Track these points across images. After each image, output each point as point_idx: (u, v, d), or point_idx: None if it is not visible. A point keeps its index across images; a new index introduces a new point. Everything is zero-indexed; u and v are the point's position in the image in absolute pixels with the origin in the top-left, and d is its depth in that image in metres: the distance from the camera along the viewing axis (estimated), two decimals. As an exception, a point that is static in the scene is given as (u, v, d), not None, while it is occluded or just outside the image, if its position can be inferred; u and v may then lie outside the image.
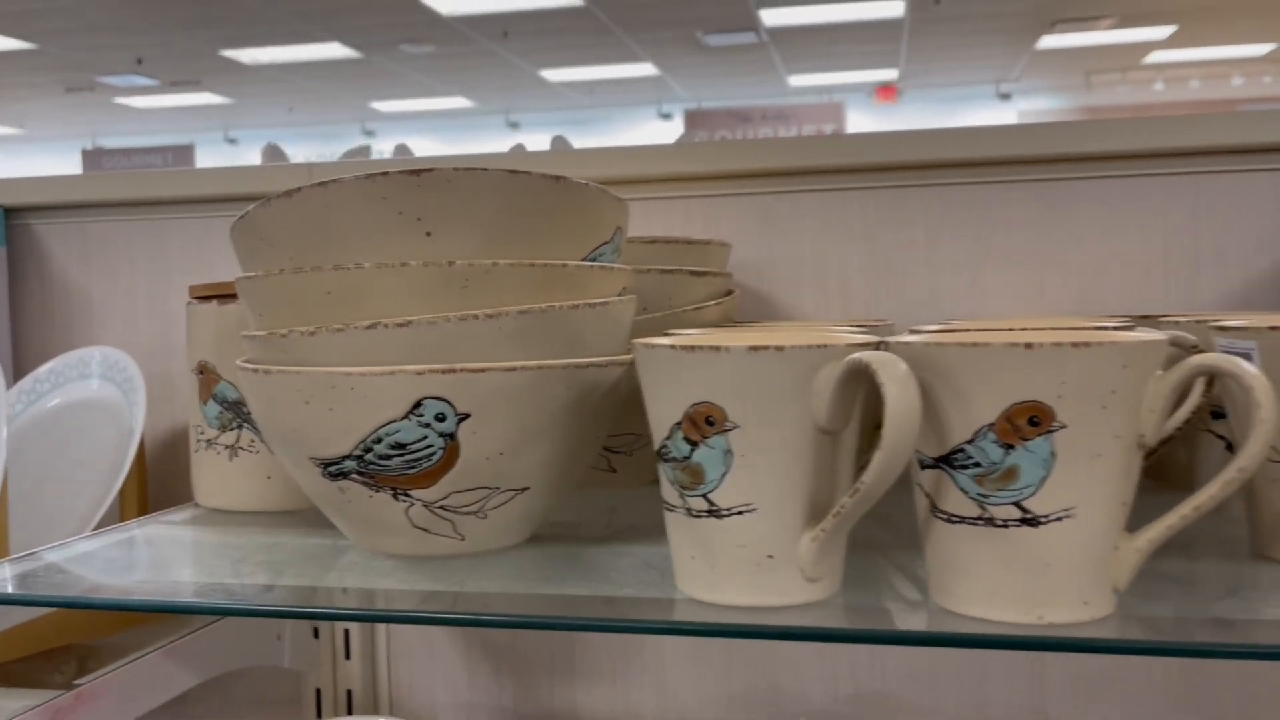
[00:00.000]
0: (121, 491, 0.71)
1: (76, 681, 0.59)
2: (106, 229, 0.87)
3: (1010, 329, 0.49)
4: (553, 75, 7.63)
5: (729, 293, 0.67)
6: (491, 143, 8.37)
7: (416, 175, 0.44)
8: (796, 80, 8.17)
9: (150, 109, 8.40)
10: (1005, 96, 9.11)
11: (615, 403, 0.50)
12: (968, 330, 0.47)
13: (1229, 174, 0.69)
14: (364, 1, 5.54)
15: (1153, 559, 0.48)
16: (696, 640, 0.77)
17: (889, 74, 8.21)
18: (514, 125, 9.21)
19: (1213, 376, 0.43)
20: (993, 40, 7.13)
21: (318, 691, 0.80)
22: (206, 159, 9.01)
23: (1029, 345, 0.36)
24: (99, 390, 0.73)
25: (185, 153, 8.69)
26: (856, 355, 0.38)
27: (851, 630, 0.39)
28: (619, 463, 0.63)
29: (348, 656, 0.80)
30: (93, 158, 8.91)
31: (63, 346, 0.86)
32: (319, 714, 0.80)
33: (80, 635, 0.66)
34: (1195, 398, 0.49)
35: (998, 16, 6.41)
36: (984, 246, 0.73)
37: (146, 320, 0.86)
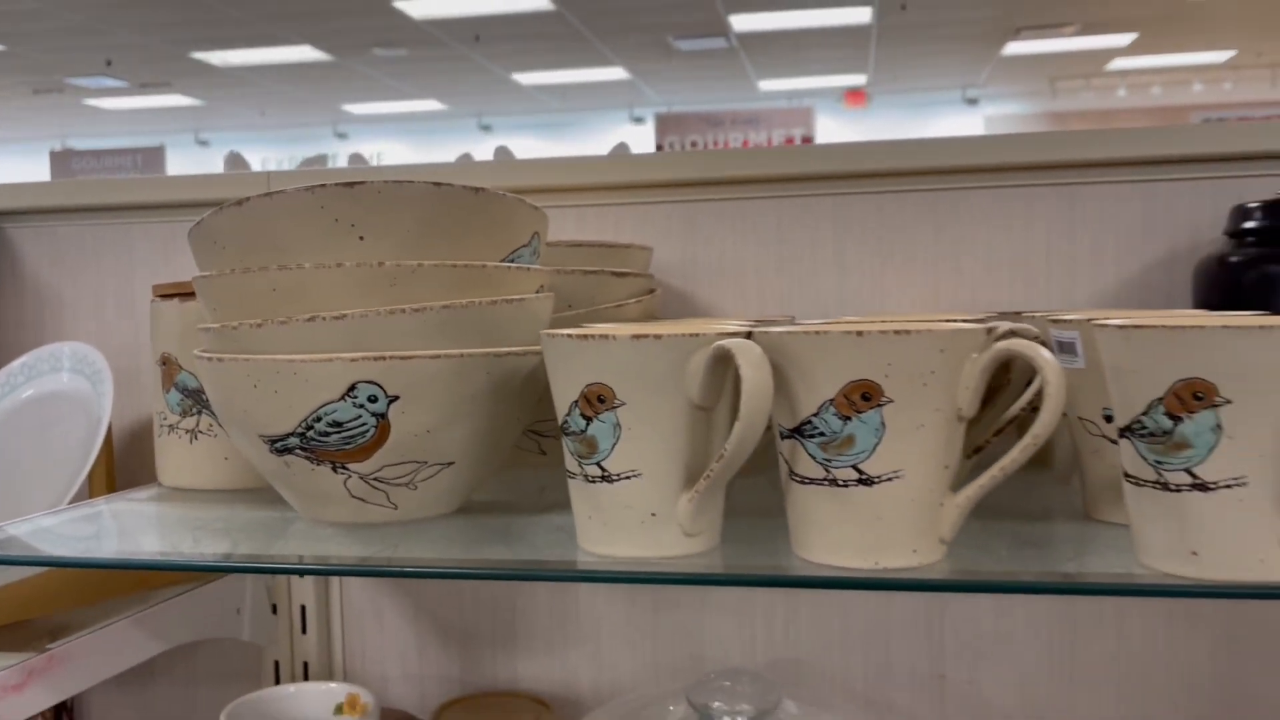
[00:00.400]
0: (90, 475, 0.76)
1: (48, 646, 0.65)
2: (76, 232, 0.92)
3: (873, 320, 0.56)
4: (525, 79, 7.68)
5: (650, 291, 0.74)
6: (464, 145, 8.40)
7: (350, 187, 0.50)
8: (767, 85, 8.28)
9: (120, 110, 8.38)
10: (972, 102, 9.26)
11: (534, 388, 0.56)
12: (840, 322, 0.54)
13: (1101, 185, 0.77)
14: (335, 5, 5.58)
15: (996, 520, 0.55)
16: (629, 614, 0.84)
17: (858, 79, 8.33)
18: (486, 128, 9.25)
19: (1017, 359, 0.50)
20: (959, 46, 7.26)
21: (276, 664, 0.86)
22: (177, 161, 8.98)
23: (859, 333, 0.43)
24: (69, 382, 0.79)
25: (155, 155, 8.66)
26: (721, 342, 0.45)
27: (719, 575, 0.46)
28: (549, 445, 0.70)
29: (304, 631, 0.86)
30: (61, 159, 8.86)
31: (34, 343, 0.91)
32: (277, 684, 0.86)
33: (49, 607, 0.71)
34: (1039, 383, 0.56)
35: (963, 23, 6.53)
36: (886, 250, 0.80)
37: (114, 318, 0.92)
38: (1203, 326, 0.40)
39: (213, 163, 9.05)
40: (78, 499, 0.72)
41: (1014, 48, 7.24)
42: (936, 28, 6.63)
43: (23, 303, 0.93)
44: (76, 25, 5.80)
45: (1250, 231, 0.67)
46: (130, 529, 0.61)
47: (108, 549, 0.58)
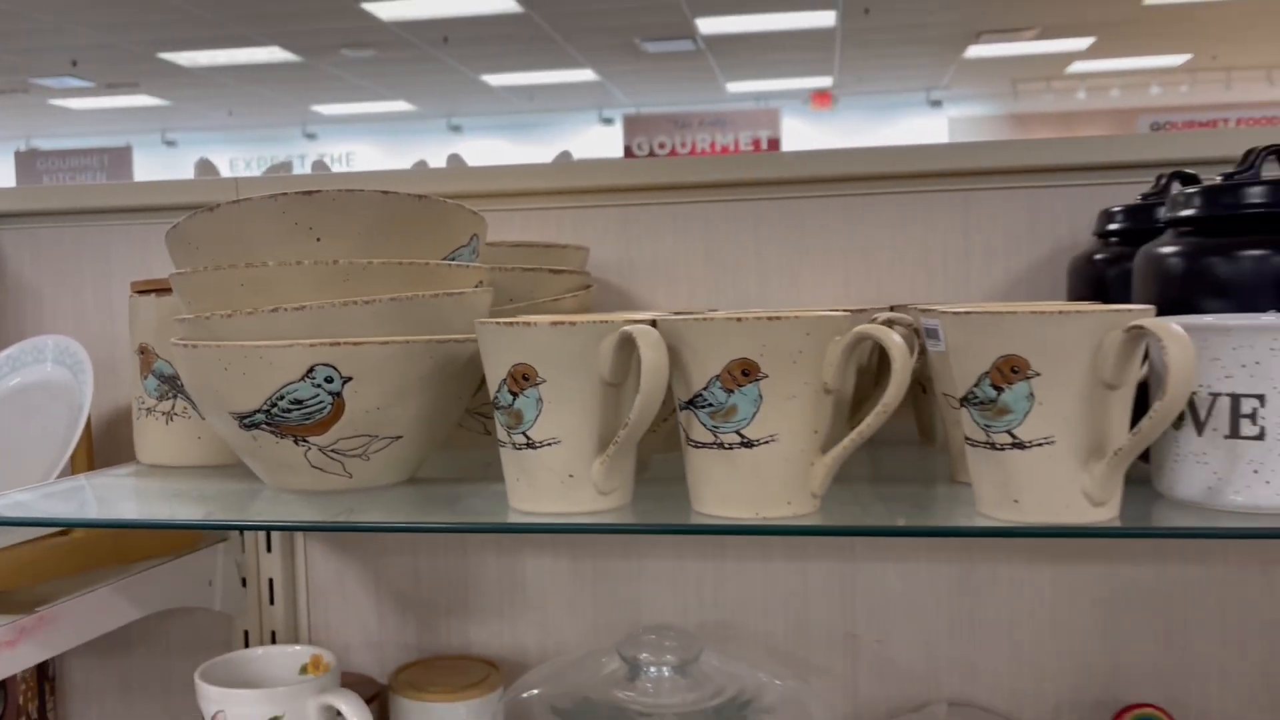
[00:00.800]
0: (72, 458, 0.83)
1: (38, 608, 0.72)
2: (56, 234, 0.99)
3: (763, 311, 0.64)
4: (494, 80, 7.74)
5: (586, 288, 0.82)
6: (433, 146, 8.45)
7: (309, 195, 0.58)
8: (734, 87, 8.38)
9: (86, 110, 8.34)
10: (936, 104, 9.42)
11: (473, 371, 0.64)
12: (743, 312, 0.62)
13: (993, 191, 0.85)
14: (304, 7, 5.61)
15: (879, 484, 0.63)
16: (571, 583, 0.92)
17: (824, 81, 8.45)
18: (456, 129, 9.29)
19: (873, 341, 0.57)
20: (922, 49, 7.40)
21: (246, 633, 0.93)
22: (144, 161, 8.94)
23: (739, 319, 0.51)
24: (52, 372, 0.85)
25: (122, 155, 8.62)
26: (625, 328, 0.52)
27: (628, 525, 0.54)
28: (493, 426, 0.77)
29: (272, 602, 0.93)
30: (26, 159, 8.80)
31: (17, 336, 0.98)
32: (247, 652, 0.93)
33: (34, 577, 0.77)
34: (913, 362, 0.65)
35: (925, 27, 6.67)
36: (802, 249, 0.88)
37: (92, 313, 0.98)
38: (1015, 312, 0.48)
39: (180, 162, 9.03)
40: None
41: (976, 51, 7.39)
42: (899, 31, 6.76)
43: (5, 299, 0.99)
44: (42, 25, 5.79)
45: (1114, 232, 0.76)
46: (113, 499, 0.68)
47: (93, 515, 0.65)
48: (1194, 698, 0.85)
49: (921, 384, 0.72)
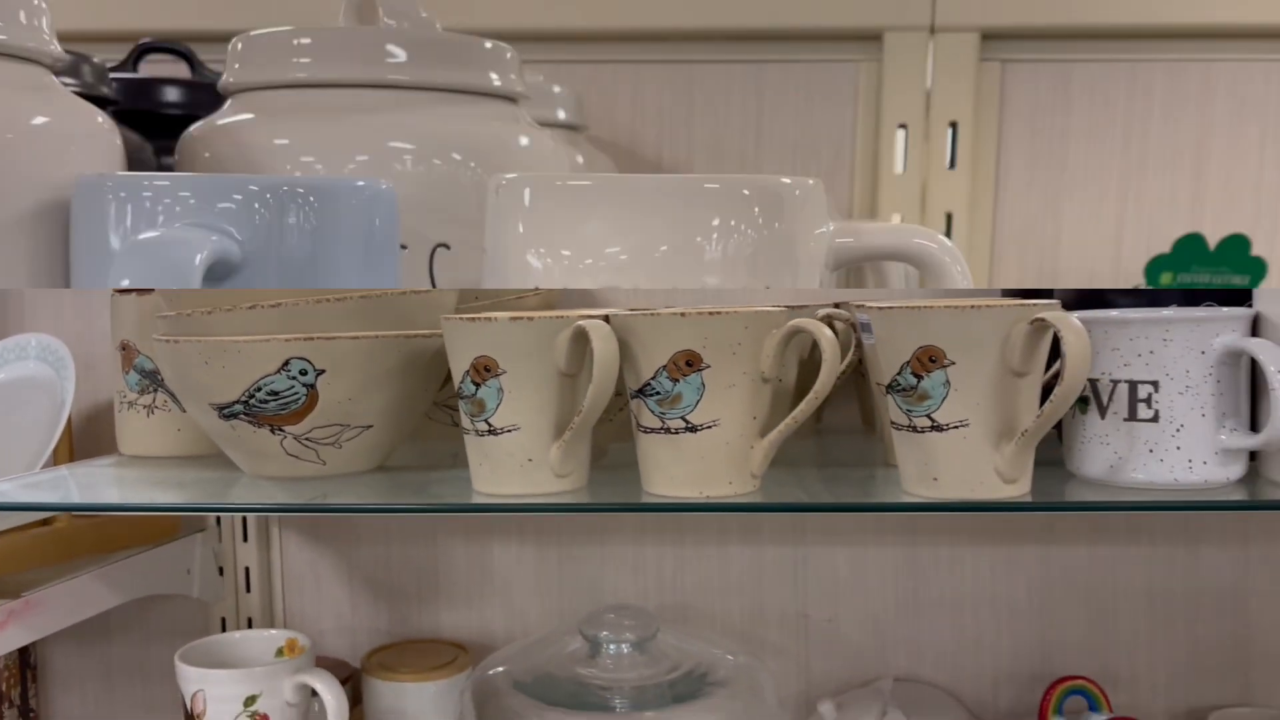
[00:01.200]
0: (54, 452, 0.86)
1: (24, 593, 0.75)
2: (35, 235, 1.02)
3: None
4: (466, 80, 7.75)
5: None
6: (406, 146, 8.43)
7: (284, 199, 0.62)
8: (705, 87, 8.45)
9: (54, 110, 8.27)
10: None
11: (440, 364, 0.68)
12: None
13: (932, 193, 0.91)
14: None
15: (820, 467, 0.68)
16: (537, 568, 0.96)
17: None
18: (428, 129, 9.28)
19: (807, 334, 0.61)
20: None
21: (223, 620, 0.97)
22: (114, 161, 8.86)
23: (683, 314, 0.55)
24: (35, 369, 0.88)
25: (91, 154, 8.54)
26: (579, 323, 0.57)
27: (583, 504, 0.59)
28: (460, 419, 0.81)
29: (248, 589, 0.96)
30: (-7, 159, 8.69)
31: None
32: (224, 639, 0.96)
33: (18, 565, 0.80)
34: (852, 355, 0.70)
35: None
36: (754, 249, 0.93)
37: (70, 313, 1.01)
38: (933, 307, 0.53)
39: (150, 163, 8.95)
40: (45, 470, 0.82)
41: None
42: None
43: (-15, 299, 1.02)
44: (9, 24, 5.74)
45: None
46: (96, 486, 0.72)
47: (76, 502, 0.68)
48: (1123, 669, 0.90)
49: (864, 374, 0.77)
